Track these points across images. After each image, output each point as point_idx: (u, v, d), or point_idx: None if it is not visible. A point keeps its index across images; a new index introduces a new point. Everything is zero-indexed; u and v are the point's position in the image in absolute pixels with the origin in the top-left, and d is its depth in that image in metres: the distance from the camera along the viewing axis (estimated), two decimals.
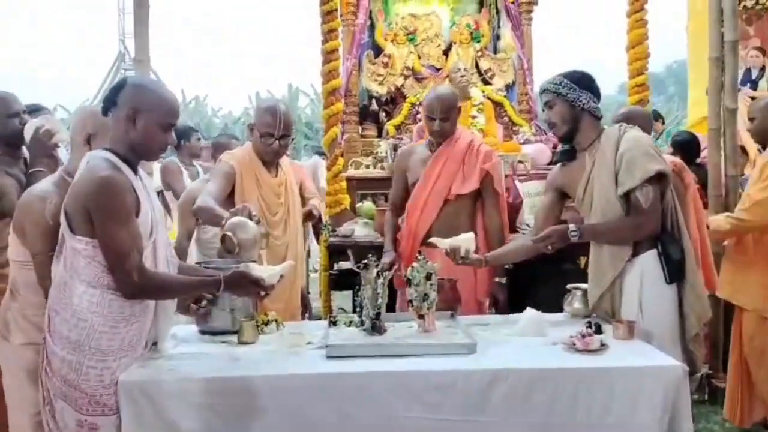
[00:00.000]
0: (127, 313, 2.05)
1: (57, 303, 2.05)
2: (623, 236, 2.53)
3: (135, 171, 2.11)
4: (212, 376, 2.05)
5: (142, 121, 2.06)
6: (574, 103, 2.60)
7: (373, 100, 5.94)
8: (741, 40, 4.59)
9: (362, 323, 2.47)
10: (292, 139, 3.20)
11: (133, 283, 1.99)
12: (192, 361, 2.17)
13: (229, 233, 2.44)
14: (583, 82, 2.63)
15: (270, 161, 3.07)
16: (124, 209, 1.98)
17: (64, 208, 2.04)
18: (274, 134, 2.96)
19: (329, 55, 4.59)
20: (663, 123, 8.36)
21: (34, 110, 3.04)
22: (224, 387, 2.02)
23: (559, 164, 2.84)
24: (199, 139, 5.48)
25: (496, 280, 3.34)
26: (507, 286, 3.38)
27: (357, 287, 2.49)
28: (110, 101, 2.08)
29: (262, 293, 2.22)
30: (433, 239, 2.77)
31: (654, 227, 2.50)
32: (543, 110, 2.73)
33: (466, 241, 2.69)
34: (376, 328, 2.41)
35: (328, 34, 4.56)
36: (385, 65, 5.83)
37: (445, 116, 3.24)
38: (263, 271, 2.24)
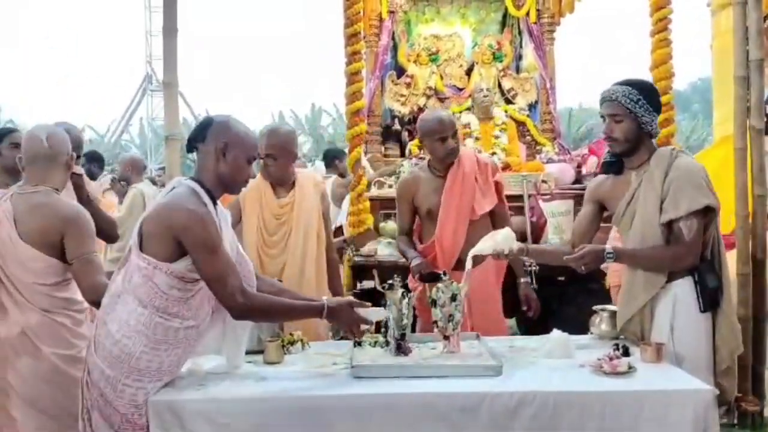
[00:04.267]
0: (171, 338, 2.09)
1: (107, 314, 2.11)
2: (660, 265, 2.46)
3: (215, 203, 2.19)
4: (240, 396, 2.07)
5: (231, 154, 2.16)
6: (643, 125, 2.49)
7: (396, 120, 5.97)
8: (767, 58, 4.55)
9: (387, 344, 2.47)
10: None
11: (237, 303, 2.08)
12: (219, 381, 2.19)
13: None
14: (654, 101, 2.52)
15: (279, 183, 3.26)
16: (212, 239, 2.07)
17: (141, 225, 2.12)
18: (273, 156, 3.16)
19: (353, 77, 4.62)
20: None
21: (7, 132, 3.04)
22: (251, 407, 2.03)
23: (602, 175, 2.73)
24: None
25: (522, 280, 3.26)
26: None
27: (382, 307, 2.50)
28: (199, 137, 2.18)
29: (362, 327, 2.31)
30: (473, 251, 2.62)
31: (693, 260, 2.43)
32: (603, 119, 2.54)
33: (506, 240, 2.58)
34: (401, 349, 2.42)
35: (352, 56, 4.59)
36: (408, 85, 5.86)
37: (453, 132, 3.22)
38: (370, 309, 2.32)
